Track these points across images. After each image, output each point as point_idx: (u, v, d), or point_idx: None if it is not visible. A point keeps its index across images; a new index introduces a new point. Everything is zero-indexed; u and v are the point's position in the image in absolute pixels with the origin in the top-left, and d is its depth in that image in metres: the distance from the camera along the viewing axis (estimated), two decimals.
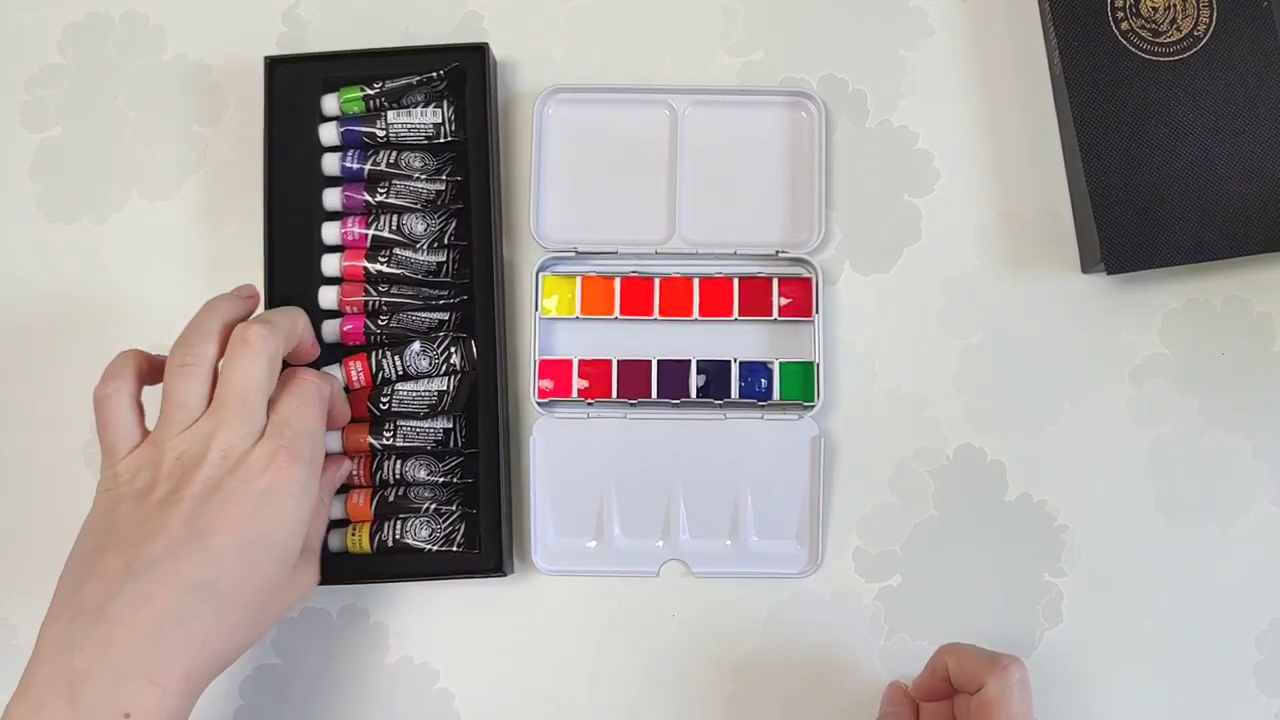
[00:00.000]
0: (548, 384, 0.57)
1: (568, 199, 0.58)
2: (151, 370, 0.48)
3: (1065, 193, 0.59)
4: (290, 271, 0.56)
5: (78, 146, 0.60)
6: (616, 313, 0.57)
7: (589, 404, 0.57)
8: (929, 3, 0.60)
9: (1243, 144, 0.55)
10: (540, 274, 0.57)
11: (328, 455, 0.51)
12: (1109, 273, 0.56)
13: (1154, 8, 0.56)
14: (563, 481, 0.56)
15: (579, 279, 0.57)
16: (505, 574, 0.54)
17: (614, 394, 0.56)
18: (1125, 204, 0.55)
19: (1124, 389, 0.57)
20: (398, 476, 0.55)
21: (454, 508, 0.54)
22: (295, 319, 0.50)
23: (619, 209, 0.58)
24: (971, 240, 0.59)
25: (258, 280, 0.56)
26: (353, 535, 0.54)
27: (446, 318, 0.56)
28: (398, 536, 0.54)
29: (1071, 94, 0.56)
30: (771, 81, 0.60)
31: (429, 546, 0.54)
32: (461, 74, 0.57)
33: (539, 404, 0.56)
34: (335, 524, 0.55)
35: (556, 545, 0.56)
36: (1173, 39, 0.56)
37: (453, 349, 0.55)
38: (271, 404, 0.47)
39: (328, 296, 0.56)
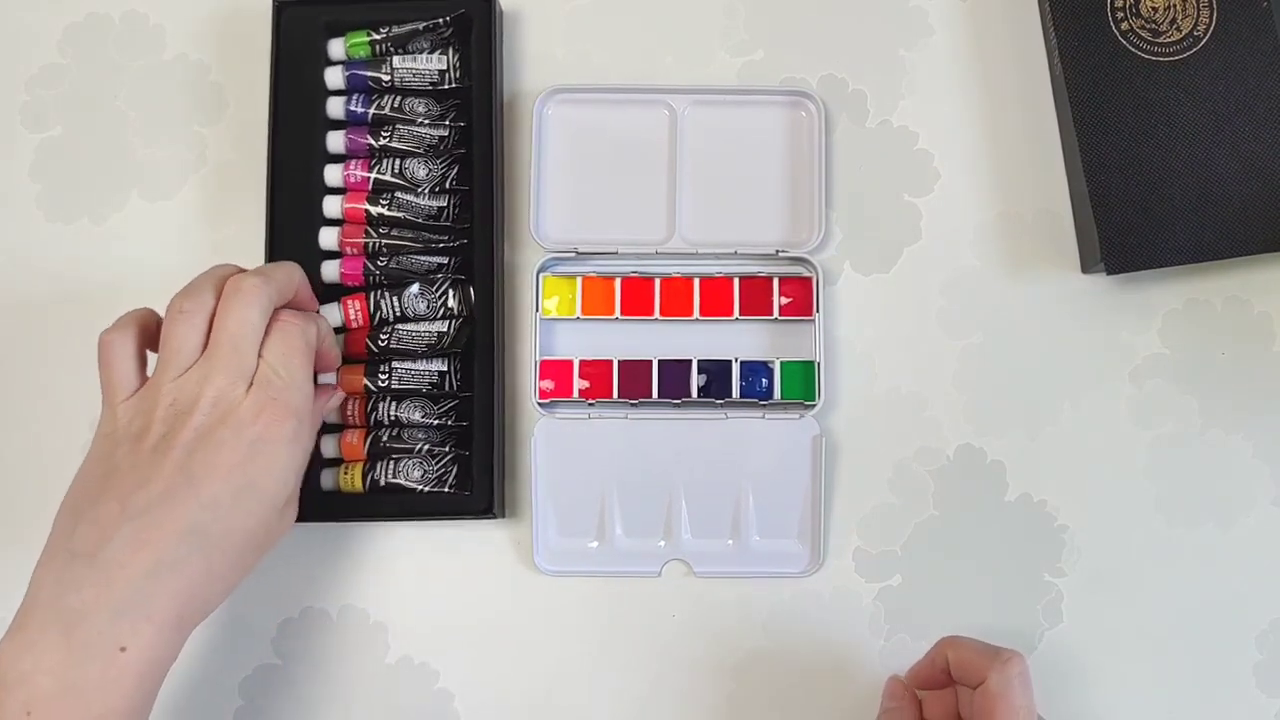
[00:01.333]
0: (549, 384, 0.57)
1: (568, 199, 0.58)
2: (158, 331, 0.49)
3: (1065, 193, 0.59)
4: (291, 212, 0.56)
5: (78, 146, 0.60)
6: (617, 313, 0.57)
7: (590, 404, 0.57)
8: (929, 3, 0.60)
9: (1243, 144, 0.55)
10: (541, 274, 0.57)
11: (316, 386, 0.51)
12: (1109, 273, 0.56)
13: (1154, 8, 0.56)
14: (564, 482, 0.56)
15: (579, 279, 0.57)
16: (495, 517, 0.54)
17: (615, 394, 0.56)
18: (1125, 204, 0.55)
19: (1124, 389, 0.57)
20: (392, 417, 0.55)
21: (447, 449, 0.55)
22: (291, 272, 0.50)
23: (619, 209, 0.58)
24: (971, 240, 0.59)
25: (259, 220, 0.56)
26: (345, 474, 0.54)
27: (445, 261, 0.56)
28: (390, 476, 0.54)
29: (1071, 94, 0.56)
30: (771, 81, 0.60)
31: (421, 487, 0.54)
32: (467, 21, 0.57)
33: (540, 404, 0.56)
34: (328, 463, 0.55)
35: (558, 546, 0.56)
36: (1173, 39, 0.56)
37: (450, 291, 0.55)
38: (260, 350, 0.47)
39: (328, 237, 0.56)
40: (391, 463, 0.54)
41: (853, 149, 0.59)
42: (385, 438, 0.55)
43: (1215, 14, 0.56)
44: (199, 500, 0.44)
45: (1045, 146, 0.59)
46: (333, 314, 0.55)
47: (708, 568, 0.56)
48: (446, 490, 0.54)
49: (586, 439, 0.56)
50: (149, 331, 0.49)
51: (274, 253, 0.56)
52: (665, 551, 0.56)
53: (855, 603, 0.56)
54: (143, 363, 0.48)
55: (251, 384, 0.46)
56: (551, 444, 0.56)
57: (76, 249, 0.59)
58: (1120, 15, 0.56)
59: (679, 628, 0.56)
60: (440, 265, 0.56)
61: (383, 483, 0.54)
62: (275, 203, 0.56)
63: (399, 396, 0.55)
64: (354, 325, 0.56)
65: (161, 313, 0.49)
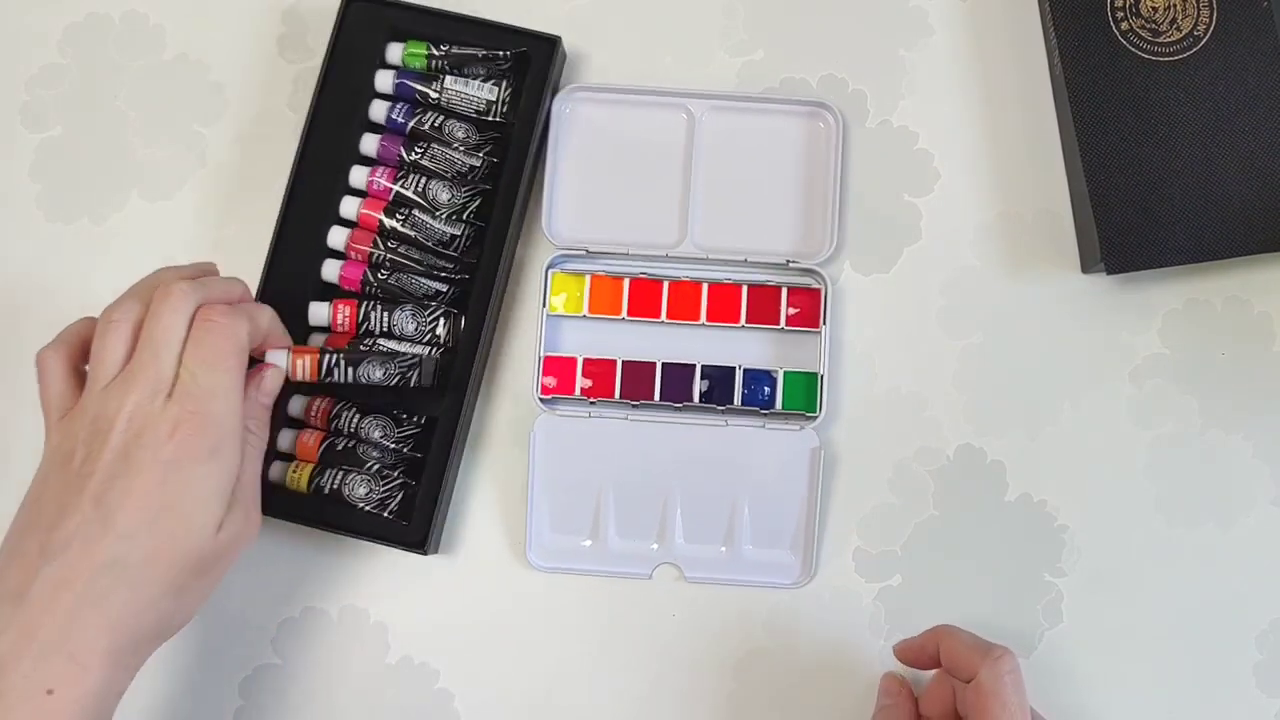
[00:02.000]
0: (551, 381, 0.57)
1: (581, 198, 0.58)
2: None
3: (1065, 193, 0.59)
4: (306, 204, 0.56)
5: (78, 146, 0.60)
6: (624, 313, 0.57)
7: (591, 403, 0.57)
8: (929, 3, 0.61)
9: (1243, 144, 0.55)
10: (550, 270, 0.57)
11: (253, 365, 0.49)
12: (1109, 273, 0.56)
13: (1154, 8, 0.56)
14: (561, 479, 0.56)
15: (588, 277, 0.57)
16: (427, 553, 0.54)
17: (617, 394, 0.56)
18: (1125, 204, 0.55)
19: (1124, 389, 0.57)
20: (351, 429, 0.55)
21: (396, 475, 0.54)
22: (231, 285, 0.49)
23: (632, 210, 0.58)
24: (971, 240, 0.59)
25: (259, 220, 0.56)
26: (294, 472, 0.54)
27: (444, 290, 0.56)
28: (335, 486, 0.54)
29: (1071, 94, 0.56)
30: (771, 81, 0.60)
31: (362, 505, 0.54)
32: (526, 60, 0.57)
33: (541, 400, 0.56)
34: (280, 456, 0.55)
35: (551, 543, 0.56)
36: (1173, 39, 0.56)
37: (441, 320, 0.55)
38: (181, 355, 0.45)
39: (337, 237, 0.56)
40: (341, 473, 0.54)
41: (853, 149, 0.59)
42: (340, 446, 0.54)
43: (1215, 14, 0.56)
44: (115, 532, 0.42)
45: (1045, 146, 0.59)
46: (322, 314, 0.55)
47: (699, 573, 0.56)
48: (386, 515, 0.54)
49: (585, 437, 0.56)
50: (86, 344, 0.47)
51: (280, 242, 0.56)
52: (657, 555, 0.56)
53: (855, 603, 0.56)
54: (78, 378, 0.47)
55: (171, 395, 0.44)
56: (550, 440, 0.56)
57: (76, 249, 0.59)
58: (1120, 15, 0.56)
59: (679, 627, 0.56)
60: (438, 292, 0.56)
61: (326, 490, 0.54)
62: (294, 191, 0.56)
63: (364, 410, 0.55)
64: (339, 329, 0.55)
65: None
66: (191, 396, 0.44)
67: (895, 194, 0.59)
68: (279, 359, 0.51)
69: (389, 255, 0.56)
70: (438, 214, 0.56)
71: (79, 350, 0.47)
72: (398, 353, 0.53)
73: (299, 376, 0.52)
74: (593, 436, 0.56)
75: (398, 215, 0.56)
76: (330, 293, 0.56)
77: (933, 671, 0.52)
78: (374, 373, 0.53)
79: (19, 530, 0.44)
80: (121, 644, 0.43)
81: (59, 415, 0.46)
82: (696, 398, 0.56)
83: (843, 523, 0.57)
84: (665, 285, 0.57)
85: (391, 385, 0.53)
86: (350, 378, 0.52)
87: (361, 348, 0.54)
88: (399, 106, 0.57)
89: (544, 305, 0.57)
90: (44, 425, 0.47)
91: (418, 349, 0.55)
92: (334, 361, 0.52)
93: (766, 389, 0.56)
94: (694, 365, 0.56)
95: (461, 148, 0.56)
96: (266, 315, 0.50)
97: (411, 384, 0.53)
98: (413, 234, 0.55)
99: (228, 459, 0.45)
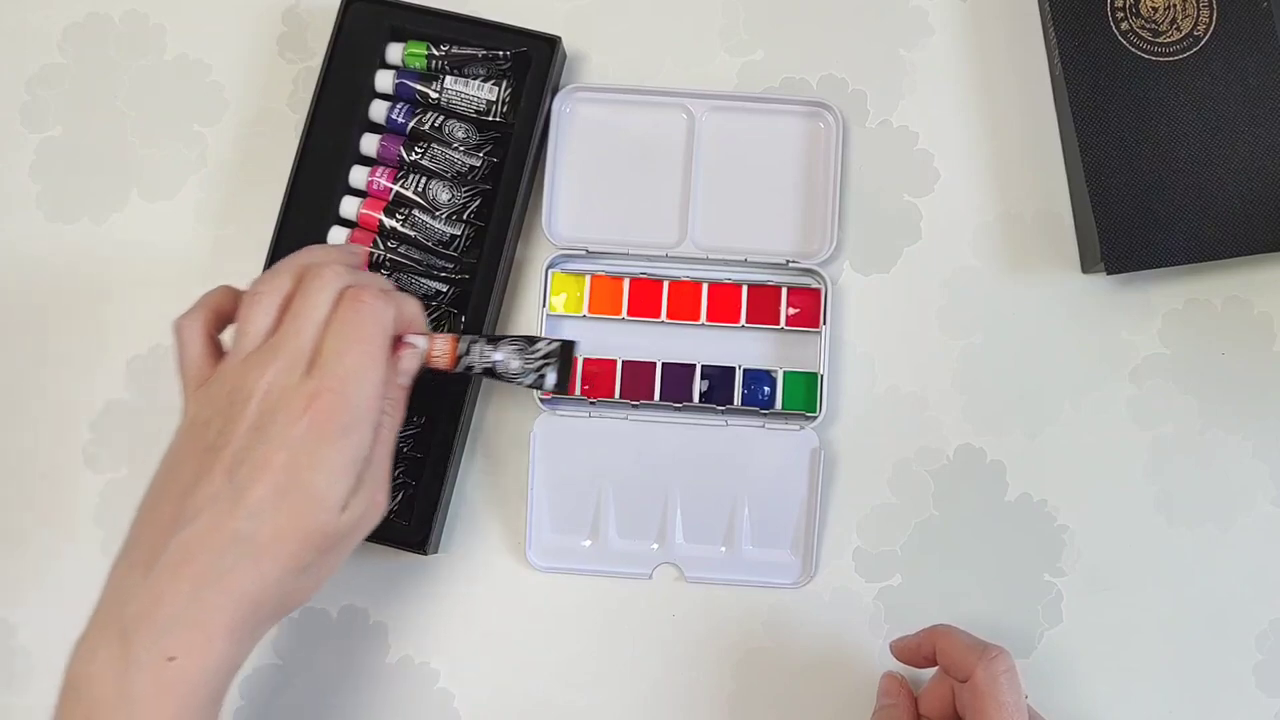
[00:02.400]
0: None
1: (581, 198, 0.58)
2: (234, 312, 0.47)
3: (1065, 193, 0.59)
4: (306, 204, 0.56)
5: (78, 146, 0.60)
6: (624, 313, 0.57)
7: (591, 403, 0.57)
8: (929, 3, 0.61)
9: (1242, 144, 0.55)
10: (550, 270, 0.57)
11: (396, 343, 0.48)
12: (1109, 273, 0.56)
13: (1154, 8, 0.56)
14: (561, 479, 0.56)
15: (588, 277, 0.57)
16: (427, 553, 0.54)
17: (617, 394, 0.56)
18: (1125, 204, 0.55)
19: (1124, 389, 0.57)
20: None
21: (396, 475, 0.54)
22: (380, 279, 0.48)
23: (632, 210, 0.58)
24: (971, 240, 0.59)
25: (259, 220, 0.56)
26: None
27: (444, 290, 0.56)
28: None
29: (1071, 94, 0.56)
30: (771, 81, 0.60)
31: None
32: (527, 60, 0.57)
33: (541, 400, 0.56)
34: None
35: (551, 543, 0.56)
36: (1173, 39, 0.56)
37: (443, 323, 0.55)
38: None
39: (337, 237, 0.56)
40: None
41: (853, 149, 0.59)
42: None
43: (1215, 14, 0.56)
44: (245, 508, 0.42)
45: (1045, 146, 0.59)
46: None
47: (699, 574, 0.56)
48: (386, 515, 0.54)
49: (586, 437, 0.56)
50: (223, 313, 0.47)
51: (280, 242, 0.56)
52: (658, 555, 0.56)
53: (855, 602, 0.56)
54: (215, 347, 0.47)
55: (310, 371, 0.44)
56: (550, 440, 0.56)
57: (77, 249, 0.59)
58: (1120, 15, 0.56)
59: (679, 627, 0.56)
60: (438, 292, 0.56)
61: None
62: (294, 191, 0.56)
63: None
64: None
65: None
66: (331, 374, 0.43)
67: (895, 194, 0.59)
68: (418, 342, 0.49)
69: (389, 255, 0.56)
70: (438, 214, 0.56)
71: (216, 319, 0.47)
72: (536, 337, 0.52)
73: (436, 356, 0.50)
74: (593, 436, 0.56)
75: (398, 215, 0.56)
76: None
77: (932, 670, 0.52)
78: (511, 362, 0.51)
79: (154, 497, 0.44)
80: (243, 618, 0.43)
81: (196, 384, 0.45)
82: (696, 398, 0.56)
83: (843, 523, 0.57)
84: (665, 285, 0.57)
85: (526, 384, 0.51)
86: (488, 360, 0.50)
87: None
88: (399, 106, 0.57)
89: (544, 305, 0.57)
90: (181, 393, 0.46)
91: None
92: (472, 340, 0.50)
93: (766, 389, 0.56)
94: (694, 365, 0.56)
95: (461, 148, 0.56)
96: (413, 305, 0.49)
97: (545, 385, 0.51)
98: (413, 234, 0.55)
99: (360, 439, 0.44)
